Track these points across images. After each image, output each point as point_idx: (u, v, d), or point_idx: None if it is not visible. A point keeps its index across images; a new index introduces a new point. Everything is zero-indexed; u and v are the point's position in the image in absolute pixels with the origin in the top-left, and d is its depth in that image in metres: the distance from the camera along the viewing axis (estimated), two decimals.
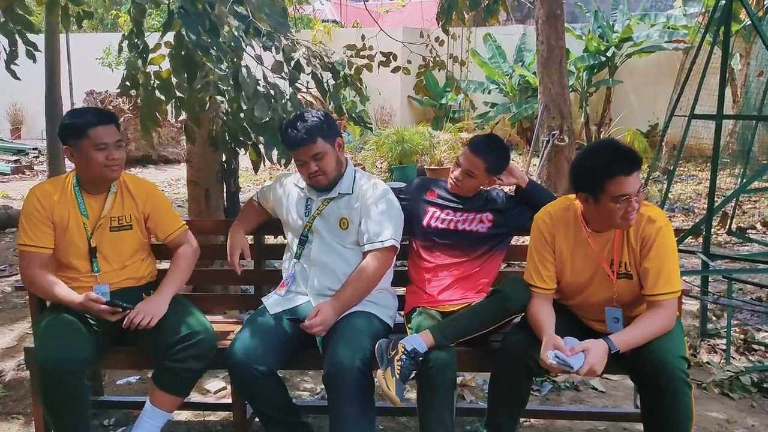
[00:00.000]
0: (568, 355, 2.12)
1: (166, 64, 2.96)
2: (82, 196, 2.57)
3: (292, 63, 3.00)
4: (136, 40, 2.88)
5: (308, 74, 3.11)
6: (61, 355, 2.33)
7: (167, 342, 2.45)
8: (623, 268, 2.34)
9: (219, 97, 3.06)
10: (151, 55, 3.04)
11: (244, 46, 2.85)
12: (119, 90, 3.09)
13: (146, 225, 2.70)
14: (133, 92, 3.08)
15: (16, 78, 3.00)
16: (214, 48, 2.68)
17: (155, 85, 3.05)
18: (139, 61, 2.96)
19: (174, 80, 2.98)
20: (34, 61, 3.05)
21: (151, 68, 3.04)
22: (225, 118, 3.13)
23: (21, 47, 3.05)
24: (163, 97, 3.03)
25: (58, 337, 2.40)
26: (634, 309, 2.37)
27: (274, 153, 3.05)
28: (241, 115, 3.06)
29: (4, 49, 3.08)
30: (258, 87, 2.91)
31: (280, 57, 3.00)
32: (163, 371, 2.49)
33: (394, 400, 2.24)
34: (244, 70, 2.82)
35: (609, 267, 2.36)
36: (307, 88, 3.33)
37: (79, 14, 3.31)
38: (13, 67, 3.02)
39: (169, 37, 2.81)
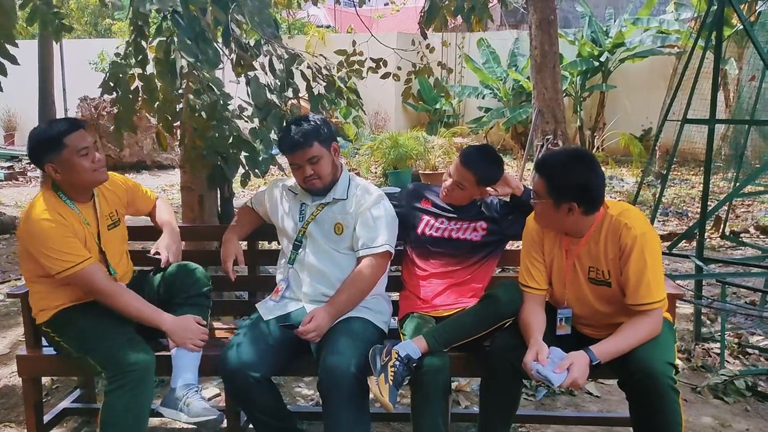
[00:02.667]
0: (545, 366, 2.15)
1: (151, 67, 3.01)
2: (76, 207, 2.52)
3: (285, 73, 3.04)
4: (139, 40, 2.89)
5: (295, 86, 3.17)
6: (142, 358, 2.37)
7: (171, 283, 2.65)
8: (601, 276, 2.34)
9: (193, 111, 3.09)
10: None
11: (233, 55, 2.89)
12: (101, 88, 3.13)
13: (127, 210, 2.79)
14: (113, 94, 3.12)
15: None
16: (202, 54, 2.70)
17: (140, 87, 3.07)
18: (125, 66, 3.00)
19: (158, 84, 3.00)
20: (5, 75, 3.02)
21: (135, 70, 3.06)
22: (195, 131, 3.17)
23: (34, 52, 3.07)
24: (146, 97, 3.07)
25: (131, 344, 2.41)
26: (618, 317, 2.34)
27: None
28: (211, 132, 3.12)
29: None
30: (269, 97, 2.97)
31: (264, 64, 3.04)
32: (179, 310, 2.58)
33: (388, 406, 2.23)
34: (253, 80, 2.86)
35: (586, 274, 2.36)
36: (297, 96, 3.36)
37: (58, 27, 3.32)
38: (7, 71, 3.01)
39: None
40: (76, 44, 14.25)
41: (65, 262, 2.39)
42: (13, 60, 2.99)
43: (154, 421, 3.08)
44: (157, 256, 2.69)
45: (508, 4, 4.46)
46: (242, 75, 3.08)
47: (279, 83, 3.14)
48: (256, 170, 3.23)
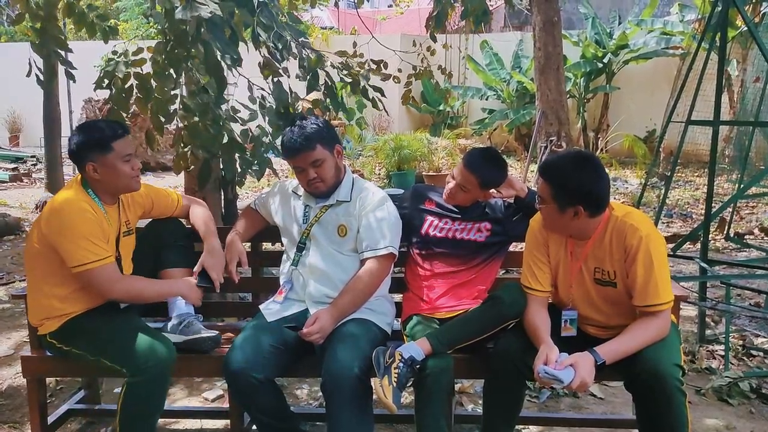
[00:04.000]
0: (554, 368, 2.14)
1: (147, 67, 3.06)
2: (103, 207, 2.54)
3: (310, 74, 3.06)
4: (176, 51, 2.91)
5: (319, 88, 3.20)
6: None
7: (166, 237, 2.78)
8: (607, 277, 2.34)
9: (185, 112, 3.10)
10: (133, 58, 3.08)
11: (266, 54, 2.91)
12: (95, 84, 3.17)
13: (147, 215, 2.81)
14: (107, 90, 3.16)
15: (44, 88, 3.10)
16: (234, 56, 2.72)
17: (135, 85, 3.09)
18: (121, 65, 3.03)
19: (154, 84, 3.02)
20: (74, 80, 3.12)
21: (131, 69, 3.08)
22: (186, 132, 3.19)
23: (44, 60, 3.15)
24: (141, 96, 3.10)
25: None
26: (625, 317, 2.34)
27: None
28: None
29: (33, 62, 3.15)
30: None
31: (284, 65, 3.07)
32: (163, 253, 2.73)
33: (391, 408, 2.23)
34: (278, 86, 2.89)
35: (591, 275, 2.36)
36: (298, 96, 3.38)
37: (105, 30, 3.41)
38: (10, 74, 3.08)
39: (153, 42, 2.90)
40: (81, 46, 14.26)
41: (89, 254, 2.39)
42: (71, 65, 3.08)
43: None
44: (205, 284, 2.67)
45: (513, 5, 4.47)
46: (267, 78, 3.10)
47: (306, 84, 3.17)
48: (250, 171, 3.25)
